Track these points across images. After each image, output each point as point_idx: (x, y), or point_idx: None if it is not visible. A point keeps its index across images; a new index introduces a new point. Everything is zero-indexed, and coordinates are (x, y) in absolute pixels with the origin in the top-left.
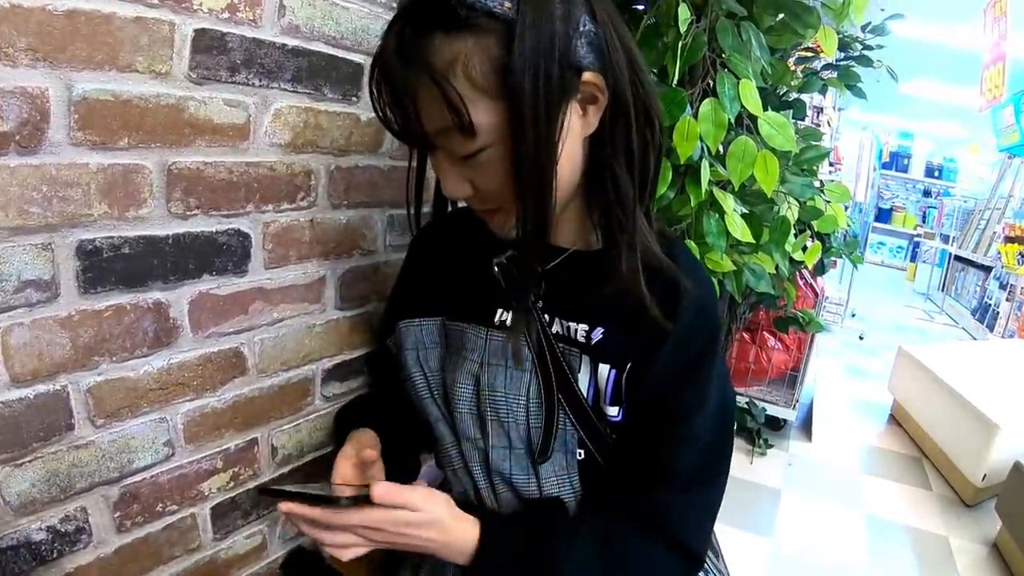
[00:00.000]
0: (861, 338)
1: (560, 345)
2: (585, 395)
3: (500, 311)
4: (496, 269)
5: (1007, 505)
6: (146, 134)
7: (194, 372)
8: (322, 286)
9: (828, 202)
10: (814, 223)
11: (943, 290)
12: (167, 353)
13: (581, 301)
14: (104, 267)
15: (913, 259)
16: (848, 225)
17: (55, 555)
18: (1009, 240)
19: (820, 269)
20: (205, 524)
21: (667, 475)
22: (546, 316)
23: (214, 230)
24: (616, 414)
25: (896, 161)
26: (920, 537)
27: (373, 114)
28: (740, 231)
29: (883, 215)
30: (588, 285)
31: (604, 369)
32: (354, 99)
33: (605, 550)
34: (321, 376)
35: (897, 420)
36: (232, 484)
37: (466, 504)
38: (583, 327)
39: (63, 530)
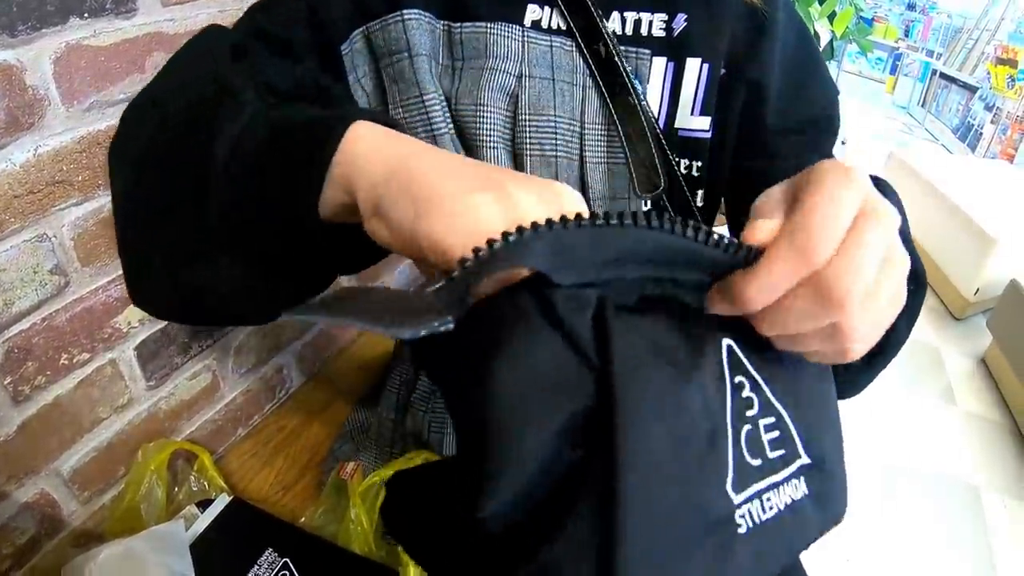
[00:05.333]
0: (843, 143)
1: (623, 47)
2: (656, 115)
3: (533, 8)
4: None
5: (1001, 322)
6: None
7: (76, 163)
8: None
9: None
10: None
11: (923, 106)
12: (31, 139)
13: None
14: None
15: (893, 72)
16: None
17: None
18: (1000, 62)
19: (829, 53)
20: (132, 371)
21: None
22: (600, 11)
23: None
24: (707, 128)
25: None
26: (912, 346)
27: None
28: None
29: (864, 24)
30: None
31: (694, 65)
32: None
33: None
34: None
35: None
36: None
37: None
38: (660, 16)
39: None
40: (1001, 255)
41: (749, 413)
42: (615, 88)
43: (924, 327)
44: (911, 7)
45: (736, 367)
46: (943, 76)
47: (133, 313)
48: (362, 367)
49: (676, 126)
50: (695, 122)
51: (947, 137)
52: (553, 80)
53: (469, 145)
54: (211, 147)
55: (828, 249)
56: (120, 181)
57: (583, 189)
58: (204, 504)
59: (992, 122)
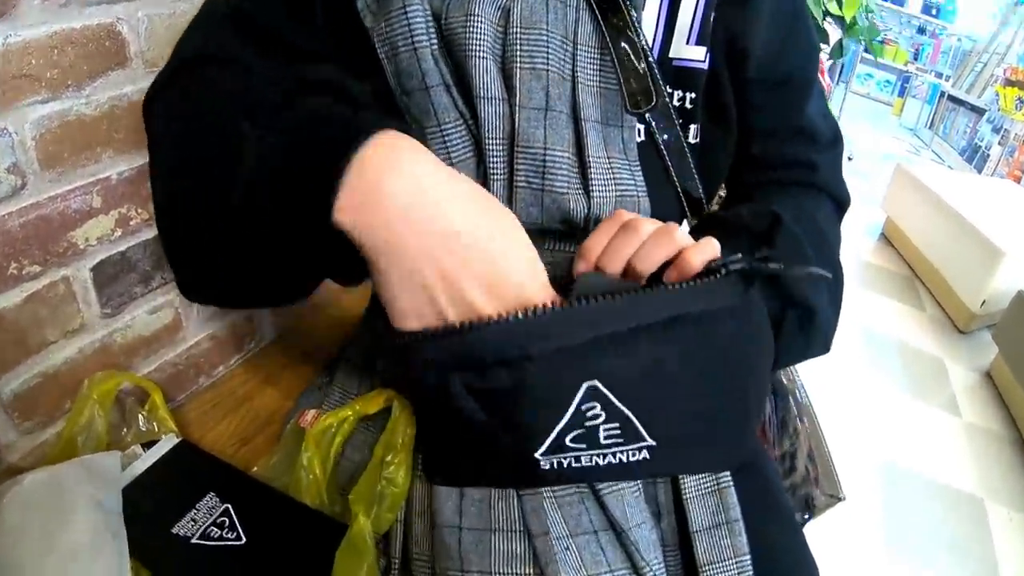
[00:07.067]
0: (850, 159)
1: None
2: (650, 42)
3: None
4: None
5: (1007, 334)
6: None
7: (45, 58)
8: None
9: None
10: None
11: (931, 128)
12: (1, 29)
13: None
14: None
15: (901, 94)
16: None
17: None
18: (1009, 83)
19: (838, 52)
20: (87, 293)
21: (809, 136)
22: None
23: None
24: (702, 58)
25: None
26: (916, 357)
27: None
28: None
29: (874, 28)
30: None
31: None
32: None
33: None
34: None
35: (888, 239)
36: (119, 232)
37: None
38: None
39: None
40: (1008, 267)
41: (591, 420)
42: (608, 10)
43: (928, 340)
44: (921, 31)
45: (590, 397)
46: (951, 98)
47: (92, 230)
48: (337, 325)
49: (671, 55)
50: (690, 52)
51: (953, 158)
52: None
53: (459, 58)
54: (228, 197)
55: (596, 250)
56: (159, 184)
57: (574, 110)
58: (150, 445)
59: (1000, 144)
